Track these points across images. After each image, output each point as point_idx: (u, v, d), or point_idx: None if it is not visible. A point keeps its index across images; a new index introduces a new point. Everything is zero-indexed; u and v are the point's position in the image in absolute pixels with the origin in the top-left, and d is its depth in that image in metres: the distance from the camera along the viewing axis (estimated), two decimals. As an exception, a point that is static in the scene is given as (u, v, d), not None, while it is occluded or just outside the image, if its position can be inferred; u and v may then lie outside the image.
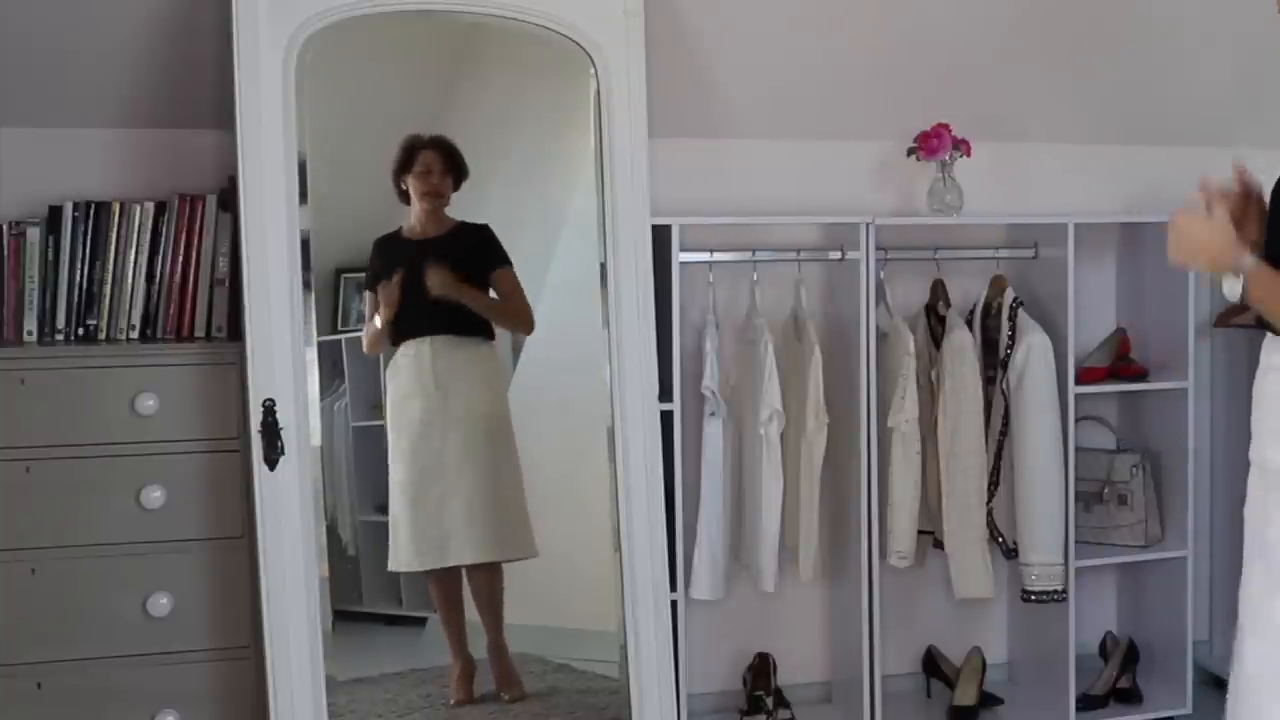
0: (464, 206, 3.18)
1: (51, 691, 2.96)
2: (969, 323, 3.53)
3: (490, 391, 3.20)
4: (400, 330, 3.16)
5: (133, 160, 3.31)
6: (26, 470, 2.94)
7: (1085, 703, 3.61)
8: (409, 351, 3.16)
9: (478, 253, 3.17)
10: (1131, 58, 3.66)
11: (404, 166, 3.15)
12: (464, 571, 3.20)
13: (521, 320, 3.20)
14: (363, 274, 3.17)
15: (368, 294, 3.16)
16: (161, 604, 3.00)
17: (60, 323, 3.14)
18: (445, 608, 3.20)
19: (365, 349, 3.18)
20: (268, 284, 2.88)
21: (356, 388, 3.20)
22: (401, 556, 3.17)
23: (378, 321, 3.14)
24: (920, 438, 3.45)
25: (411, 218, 3.17)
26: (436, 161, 3.15)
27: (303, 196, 2.92)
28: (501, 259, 3.17)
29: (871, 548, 3.44)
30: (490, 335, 3.20)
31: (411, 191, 3.15)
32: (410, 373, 3.15)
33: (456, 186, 3.17)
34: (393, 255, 3.16)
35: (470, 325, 3.18)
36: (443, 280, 3.13)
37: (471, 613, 3.19)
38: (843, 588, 3.60)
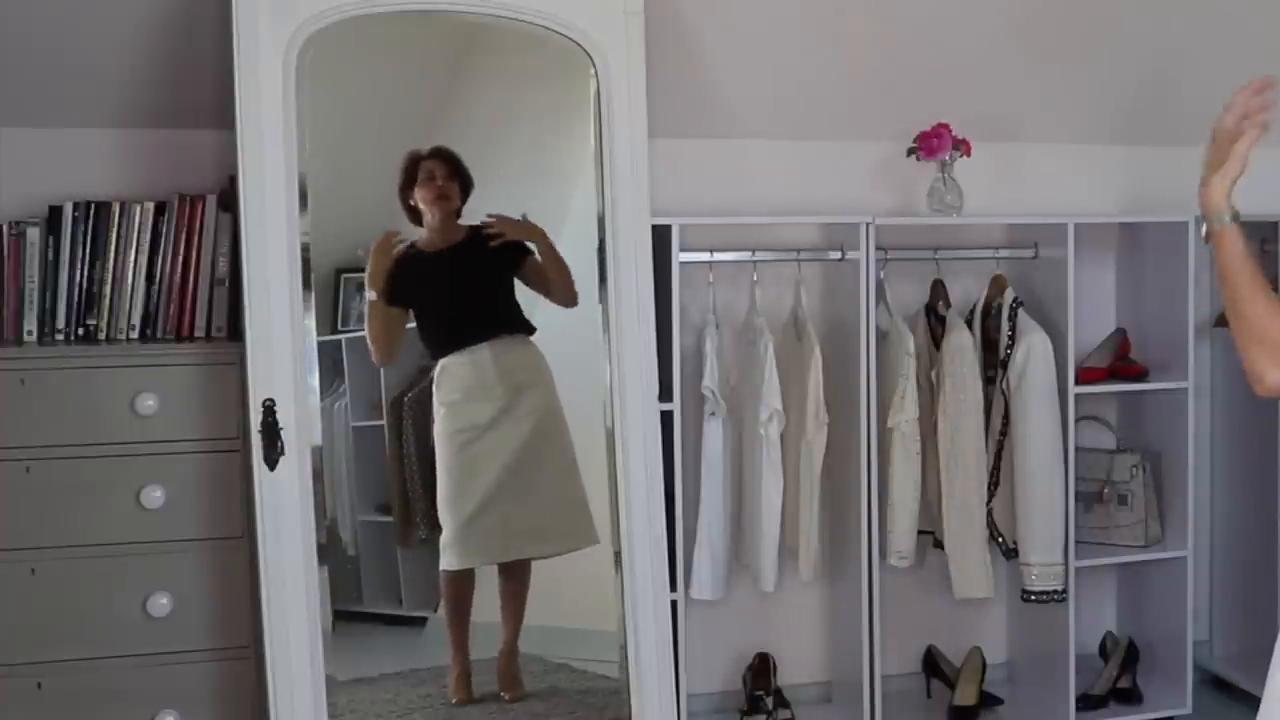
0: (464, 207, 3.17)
1: (51, 691, 2.96)
2: (969, 323, 3.53)
3: (547, 384, 3.20)
4: (445, 341, 3.15)
5: (133, 160, 3.31)
6: (26, 470, 2.94)
7: (1085, 703, 3.61)
8: (462, 359, 3.15)
9: (501, 249, 3.17)
10: (1131, 58, 3.66)
11: (409, 181, 3.14)
12: (496, 570, 3.20)
13: (568, 284, 3.17)
14: (363, 274, 3.15)
15: (374, 300, 3.10)
16: (161, 604, 3.00)
17: (60, 323, 3.14)
18: (457, 608, 3.19)
19: (378, 358, 3.13)
20: (268, 284, 2.87)
21: (356, 388, 3.20)
22: (459, 553, 3.15)
23: (371, 295, 3.09)
24: (920, 438, 3.45)
25: (426, 231, 3.16)
26: (439, 167, 3.14)
27: (302, 197, 2.92)
28: (524, 247, 3.17)
29: (871, 548, 3.44)
30: (532, 330, 3.20)
31: (420, 202, 3.14)
32: (468, 378, 3.15)
33: (464, 194, 3.16)
34: (415, 273, 3.13)
35: (515, 324, 3.18)
36: (515, 228, 3.13)
37: (482, 614, 3.19)
38: (843, 588, 3.60)
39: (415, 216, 3.15)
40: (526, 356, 3.19)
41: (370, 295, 3.10)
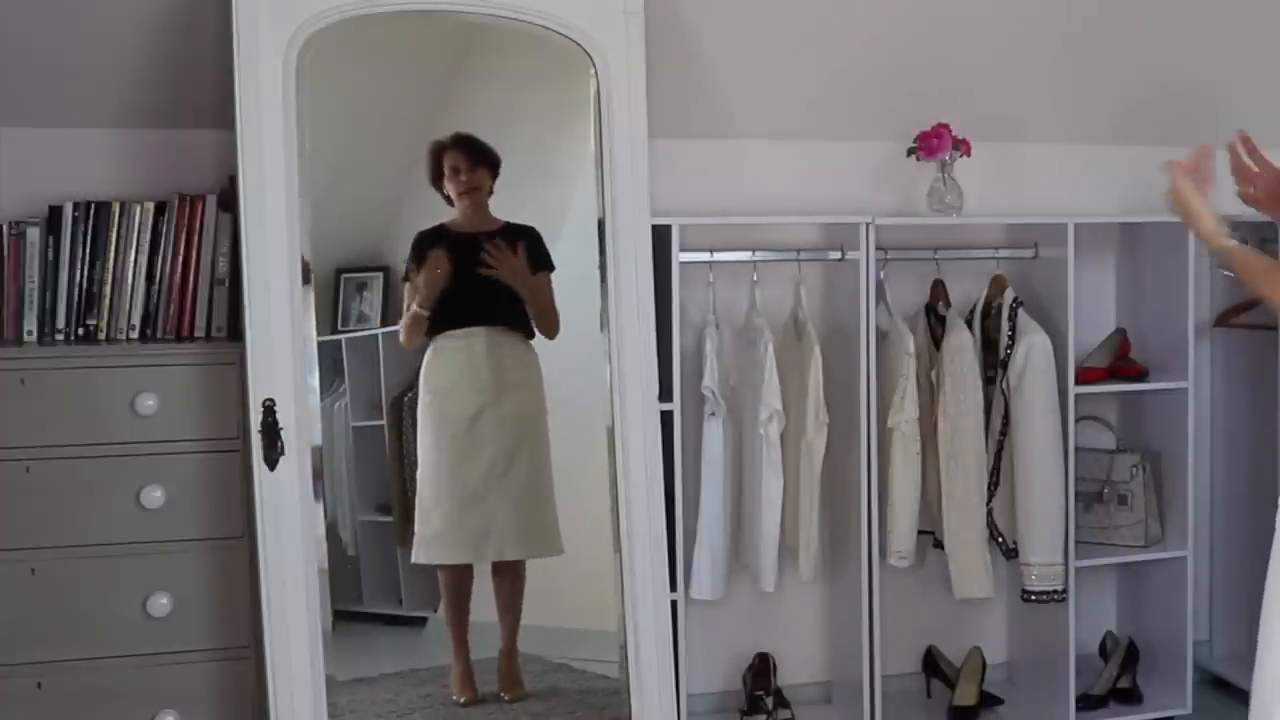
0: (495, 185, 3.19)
1: (51, 691, 2.96)
2: (969, 323, 3.53)
3: (535, 387, 3.20)
4: (444, 319, 3.14)
5: (133, 160, 3.31)
6: (26, 470, 2.94)
7: (1085, 703, 3.61)
8: (456, 344, 3.15)
9: (524, 254, 3.18)
10: (1131, 57, 3.66)
11: (437, 174, 3.15)
12: (490, 570, 3.19)
13: (552, 324, 3.20)
14: (363, 274, 3.17)
15: (407, 286, 3.13)
16: (161, 604, 3.00)
17: (60, 323, 3.14)
18: (456, 605, 3.19)
19: (403, 341, 3.14)
20: (268, 284, 2.88)
21: (356, 388, 3.20)
22: (433, 549, 3.15)
23: (416, 307, 3.11)
24: (920, 438, 3.45)
25: (457, 214, 3.17)
26: (462, 159, 3.15)
27: (303, 196, 2.92)
28: (545, 264, 3.18)
29: (871, 548, 3.44)
30: (531, 333, 3.20)
31: (450, 194, 3.16)
32: (459, 364, 3.15)
33: (493, 175, 3.17)
34: (439, 247, 3.15)
35: (516, 320, 3.18)
36: (513, 267, 3.15)
37: (481, 614, 3.19)
38: (843, 588, 3.60)
39: (451, 203, 3.17)
40: (520, 355, 3.19)
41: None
